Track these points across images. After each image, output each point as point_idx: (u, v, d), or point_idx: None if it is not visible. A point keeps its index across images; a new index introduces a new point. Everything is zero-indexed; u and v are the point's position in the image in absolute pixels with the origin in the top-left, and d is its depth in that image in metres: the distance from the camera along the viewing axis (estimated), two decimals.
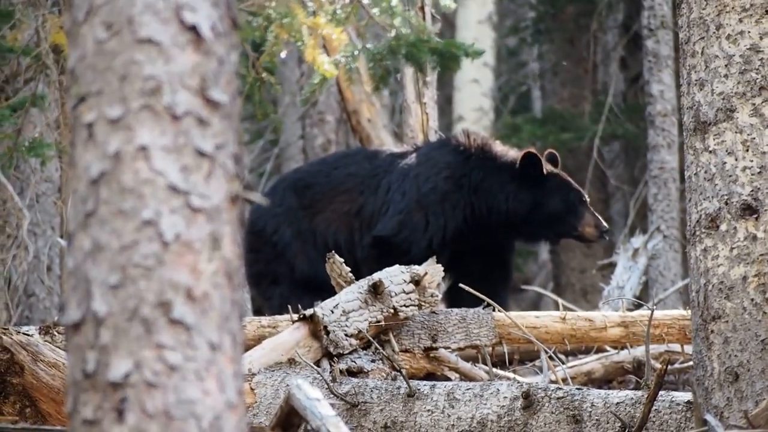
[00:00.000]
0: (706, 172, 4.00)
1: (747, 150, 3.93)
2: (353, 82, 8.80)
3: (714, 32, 4.00)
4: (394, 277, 5.43)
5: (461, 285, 5.70)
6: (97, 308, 2.25)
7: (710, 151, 3.99)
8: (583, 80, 12.53)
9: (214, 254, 2.29)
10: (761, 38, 3.95)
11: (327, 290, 5.77)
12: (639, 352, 6.51)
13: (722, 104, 3.97)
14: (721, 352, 3.90)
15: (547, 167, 7.00)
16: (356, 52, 7.44)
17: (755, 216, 3.90)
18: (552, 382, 5.29)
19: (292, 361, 5.00)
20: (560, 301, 6.79)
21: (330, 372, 4.89)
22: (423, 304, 5.49)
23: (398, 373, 4.87)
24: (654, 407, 4.22)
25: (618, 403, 4.36)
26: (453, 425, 4.56)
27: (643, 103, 11.11)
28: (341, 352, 5.11)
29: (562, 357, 6.63)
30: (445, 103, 12.94)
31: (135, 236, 2.25)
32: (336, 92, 10.86)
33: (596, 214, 7.03)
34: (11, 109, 7.32)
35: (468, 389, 4.61)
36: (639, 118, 11.75)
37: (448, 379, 5.59)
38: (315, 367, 4.89)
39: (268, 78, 7.33)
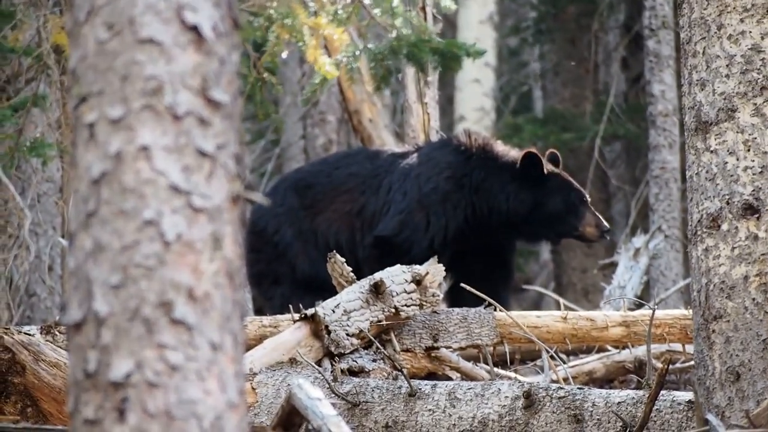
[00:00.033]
0: (707, 171, 4.00)
1: (748, 150, 3.93)
2: (354, 82, 8.81)
3: (715, 32, 4.00)
4: (395, 276, 5.43)
5: (462, 285, 5.70)
6: (99, 308, 2.25)
7: (711, 151, 3.99)
8: (584, 80, 12.53)
9: (215, 254, 2.29)
10: (762, 38, 3.95)
11: (328, 290, 5.77)
12: (640, 351, 6.51)
13: (723, 104, 3.97)
14: (722, 352, 3.90)
15: (548, 167, 7.00)
16: (357, 52, 7.44)
17: (756, 216, 3.90)
18: (553, 381, 5.29)
19: (293, 361, 5.00)
20: (561, 300, 6.79)
21: (331, 371, 4.89)
22: (424, 303, 5.49)
23: (399, 373, 4.87)
24: (655, 407, 4.22)
25: (619, 402, 4.36)
26: (454, 425, 4.56)
27: (644, 103, 11.11)
28: (342, 351, 5.11)
29: (564, 356, 6.63)
30: (447, 103, 12.94)
31: (136, 236, 2.25)
32: (337, 92, 10.86)
33: (597, 214, 7.03)
34: (13, 109, 7.33)
35: (469, 389, 4.61)
36: (640, 118, 11.75)
37: (449, 378, 5.59)
38: (316, 367, 4.89)
39: (270, 78, 7.34)
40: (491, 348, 5.63)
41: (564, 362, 6.36)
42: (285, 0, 6.90)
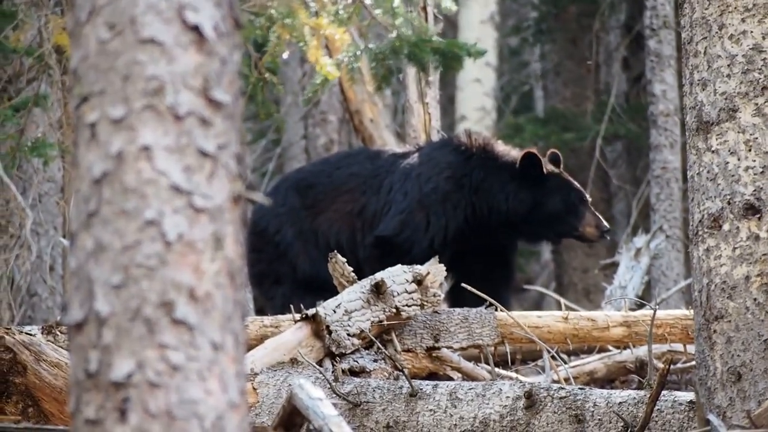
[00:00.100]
0: (708, 171, 3.99)
1: (750, 150, 3.93)
2: (355, 82, 8.82)
3: (716, 32, 4.00)
4: (396, 276, 5.43)
5: (463, 285, 5.70)
6: (100, 308, 2.25)
7: (713, 151, 3.99)
8: (585, 80, 12.53)
9: (216, 254, 2.29)
10: (764, 38, 3.95)
11: (329, 290, 5.77)
12: (641, 351, 6.51)
13: (725, 104, 3.97)
14: (723, 352, 3.90)
15: (548, 167, 7.00)
16: (358, 53, 7.44)
17: (758, 216, 3.90)
18: (554, 381, 5.29)
19: (294, 361, 5.00)
20: (563, 300, 6.79)
21: (332, 372, 4.89)
22: (425, 303, 5.49)
23: (401, 373, 4.87)
24: (656, 407, 4.22)
25: (620, 402, 4.35)
26: (455, 425, 4.56)
27: (645, 102, 11.11)
28: (343, 351, 5.11)
29: (565, 357, 6.63)
30: (448, 103, 12.94)
31: (137, 236, 2.26)
32: (338, 92, 10.86)
33: (597, 214, 7.02)
34: (14, 109, 7.33)
35: (470, 389, 4.61)
36: (641, 118, 11.74)
37: (450, 378, 5.59)
38: (317, 367, 4.89)
39: (271, 78, 7.34)
40: (492, 348, 5.63)
41: (565, 362, 6.36)
42: (285, 0, 6.89)
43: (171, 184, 2.27)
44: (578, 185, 7.09)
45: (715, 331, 3.93)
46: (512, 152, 7.08)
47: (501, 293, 6.61)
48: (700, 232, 4.01)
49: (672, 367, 6.16)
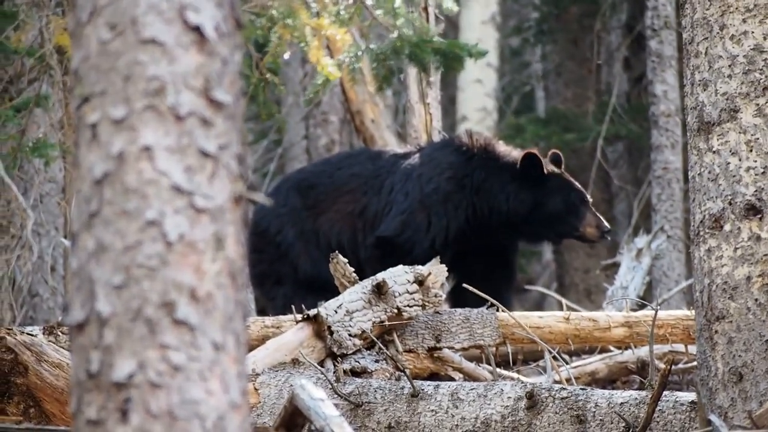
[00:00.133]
0: (709, 172, 3.99)
1: (751, 150, 3.93)
2: (356, 83, 8.81)
3: (718, 32, 4.00)
4: (397, 277, 5.43)
5: (465, 285, 5.70)
6: (101, 308, 2.25)
7: (714, 152, 3.99)
8: (586, 80, 12.53)
9: (217, 254, 2.29)
10: (765, 38, 3.95)
11: (330, 290, 5.77)
12: (643, 352, 6.50)
13: (726, 104, 3.97)
14: (725, 353, 3.90)
15: (549, 167, 6.99)
16: (360, 53, 7.44)
17: (759, 216, 3.90)
18: (556, 382, 5.29)
19: (295, 362, 5.00)
20: (564, 301, 6.79)
21: (334, 372, 4.89)
22: (427, 304, 5.49)
23: (402, 373, 4.87)
24: (658, 407, 4.22)
25: (622, 403, 4.35)
26: (457, 425, 4.56)
27: (646, 103, 11.11)
28: (345, 352, 5.11)
29: (566, 357, 6.63)
30: (449, 104, 12.94)
31: (139, 236, 2.26)
32: (339, 92, 10.86)
33: (598, 215, 7.02)
34: (15, 109, 7.33)
35: (472, 389, 4.61)
36: (642, 119, 11.74)
37: (451, 379, 5.59)
38: (319, 367, 4.89)
39: (272, 78, 7.34)
40: (494, 348, 5.63)
41: (566, 363, 6.35)
42: (286, 0, 6.90)
43: (172, 185, 2.27)
44: (579, 185, 7.08)
45: (716, 332, 3.93)
46: (513, 153, 7.07)
47: (502, 293, 6.61)
48: (701, 233, 4.01)
49: (673, 367, 6.16)
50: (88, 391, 2.24)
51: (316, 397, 3.06)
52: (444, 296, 5.83)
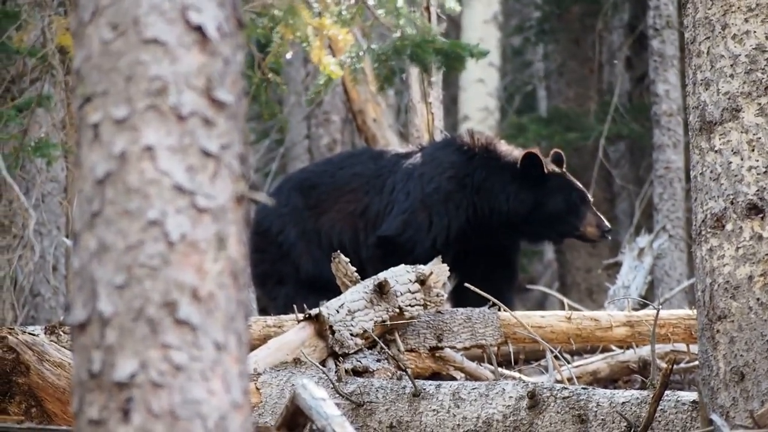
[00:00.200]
0: (711, 171, 3.99)
1: (753, 150, 3.93)
2: (358, 83, 8.81)
3: (719, 32, 4.00)
4: (399, 276, 5.43)
5: (467, 284, 5.70)
6: (103, 308, 2.25)
7: (716, 151, 3.99)
8: (588, 80, 12.52)
9: (219, 254, 2.30)
10: (767, 38, 3.95)
11: (332, 290, 5.77)
12: (644, 351, 6.51)
13: (728, 104, 3.97)
14: (726, 352, 3.90)
15: (550, 167, 6.99)
16: (361, 53, 7.44)
17: (761, 215, 3.90)
18: (557, 381, 5.29)
19: (297, 361, 5.00)
20: (566, 300, 6.78)
21: (335, 371, 4.90)
22: (428, 303, 5.49)
23: (404, 373, 4.87)
24: (660, 407, 4.22)
25: (623, 402, 4.35)
26: (458, 425, 4.56)
27: (648, 102, 11.10)
28: (346, 351, 5.11)
29: (568, 356, 6.63)
30: (451, 103, 12.93)
31: (140, 236, 2.26)
32: (341, 92, 10.86)
33: (598, 214, 7.02)
34: (17, 109, 7.34)
35: (473, 389, 4.61)
36: (644, 118, 11.74)
37: (453, 378, 5.59)
38: (320, 367, 4.89)
39: (274, 78, 7.34)
40: (495, 348, 5.63)
41: (568, 362, 6.35)
42: None
43: (174, 184, 2.27)
44: (580, 185, 7.08)
45: (718, 331, 3.93)
46: (515, 152, 7.07)
47: (504, 293, 6.61)
48: (703, 232, 4.01)
49: (675, 367, 6.16)
50: (90, 390, 2.24)
51: (318, 397, 3.06)
52: (445, 296, 5.84)
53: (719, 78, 3.99)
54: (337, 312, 5.18)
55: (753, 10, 3.96)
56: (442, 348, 5.52)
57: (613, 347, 6.71)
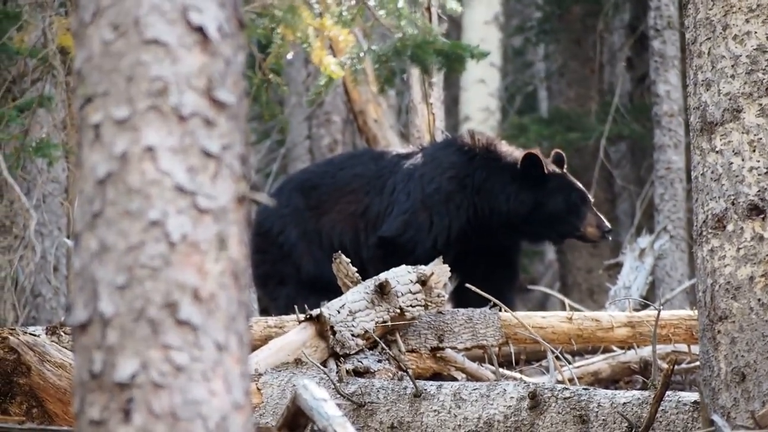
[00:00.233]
0: (712, 172, 3.99)
1: (754, 150, 3.93)
2: (359, 83, 8.81)
3: (720, 33, 4.00)
4: (400, 277, 5.43)
5: (467, 285, 5.70)
6: (104, 309, 2.25)
7: (717, 152, 3.99)
8: (589, 80, 12.52)
9: (220, 255, 2.30)
10: None
11: (333, 291, 5.77)
12: (646, 352, 6.50)
13: (729, 104, 3.97)
14: (728, 353, 3.90)
15: (550, 167, 6.99)
16: (362, 54, 7.44)
17: (762, 216, 3.90)
18: (559, 382, 5.29)
19: (298, 362, 5.00)
20: (567, 301, 6.78)
21: (336, 372, 4.90)
22: (429, 304, 5.49)
23: (405, 374, 4.87)
24: (661, 407, 4.22)
25: (625, 403, 4.35)
26: (459, 425, 4.56)
27: (649, 103, 11.10)
28: (348, 352, 5.11)
29: (569, 357, 6.63)
30: (452, 104, 12.93)
31: (142, 237, 2.26)
32: (342, 92, 10.85)
33: (599, 214, 7.02)
34: (18, 109, 7.34)
35: (474, 389, 4.61)
36: (645, 118, 11.74)
37: (454, 379, 5.59)
38: (321, 368, 4.89)
39: (275, 79, 7.34)
40: (496, 348, 5.62)
41: (569, 363, 6.36)
42: None
43: (175, 185, 2.27)
44: (580, 185, 7.08)
45: (719, 332, 3.93)
46: (515, 153, 7.07)
47: (505, 293, 6.61)
48: (704, 233, 4.00)
49: (676, 367, 6.16)
50: (91, 391, 2.24)
51: (319, 397, 3.06)
52: (446, 296, 5.84)
53: (720, 78, 3.99)
54: (338, 312, 5.18)
55: (754, 10, 3.96)
56: (443, 348, 5.52)
57: (615, 348, 6.71)
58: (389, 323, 5.31)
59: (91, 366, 2.24)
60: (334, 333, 5.11)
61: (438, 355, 5.59)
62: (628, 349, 6.56)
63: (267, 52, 7.34)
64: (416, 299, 5.42)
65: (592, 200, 7.12)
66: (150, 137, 2.27)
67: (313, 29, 6.98)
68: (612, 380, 6.66)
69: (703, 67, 4.03)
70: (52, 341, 4.88)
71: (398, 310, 5.32)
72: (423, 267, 5.56)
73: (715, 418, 3.77)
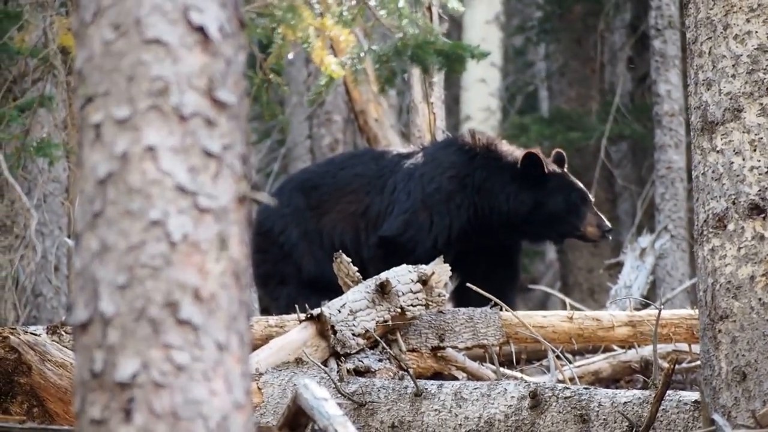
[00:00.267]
0: (713, 171, 3.99)
1: (754, 150, 3.93)
2: (360, 83, 8.81)
3: (721, 32, 4.00)
4: (401, 276, 5.43)
5: (468, 284, 5.70)
6: (105, 308, 2.25)
7: (718, 151, 3.99)
8: (590, 80, 12.52)
9: (221, 254, 2.30)
10: None
11: (334, 290, 5.77)
12: (646, 351, 6.51)
13: (729, 104, 3.97)
14: (728, 352, 3.90)
15: (550, 167, 6.99)
16: (363, 53, 7.44)
17: (763, 216, 3.90)
18: (559, 381, 5.29)
19: (299, 361, 5.01)
20: (567, 300, 6.78)
21: (337, 371, 4.90)
22: (430, 303, 5.49)
23: (405, 373, 4.87)
24: (661, 407, 4.22)
25: (625, 402, 4.35)
26: (460, 425, 4.56)
27: (650, 102, 11.10)
28: (348, 351, 5.11)
29: (570, 356, 6.63)
30: (453, 103, 12.93)
31: (142, 236, 2.26)
32: (343, 92, 10.85)
33: (599, 214, 7.02)
34: (19, 109, 7.34)
35: (475, 389, 4.61)
36: (646, 118, 11.73)
37: (455, 378, 5.59)
38: (322, 367, 4.89)
39: (276, 79, 7.34)
40: (497, 348, 5.63)
41: (570, 362, 6.36)
42: None
43: (176, 185, 2.28)
44: (580, 185, 7.08)
45: (720, 331, 3.93)
46: (516, 152, 7.07)
47: (506, 293, 6.61)
48: (704, 232, 4.01)
49: (677, 366, 6.16)
50: (92, 390, 2.24)
51: (320, 397, 3.06)
52: (447, 296, 5.84)
53: (721, 78, 3.99)
54: (339, 312, 5.18)
55: (755, 10, 3.96)
56: (443, 348, 5.53)
57: (615, 347, 6.71)
58: (390, 323, 5.31)
59: (92, 365, 2.25)
60: (334, 332, 5.11)
61: (439, 354, 5.59)
62: (629, 348, 6.56)
63: (268, 52, 7.35)
64: (417, 299, 5.42)
65: (593, 200, 7.12)
66: (151, 137, 2.28)
67: (313, 29, 6.98)
68: (613, 379, 6.66)
69: (704, 67, 4.03)
70: (53, 341, 4.88)
71: (399, 310, 5.33)
72: (424, 266, 5.56)
73: (716, 417, 3.77)
